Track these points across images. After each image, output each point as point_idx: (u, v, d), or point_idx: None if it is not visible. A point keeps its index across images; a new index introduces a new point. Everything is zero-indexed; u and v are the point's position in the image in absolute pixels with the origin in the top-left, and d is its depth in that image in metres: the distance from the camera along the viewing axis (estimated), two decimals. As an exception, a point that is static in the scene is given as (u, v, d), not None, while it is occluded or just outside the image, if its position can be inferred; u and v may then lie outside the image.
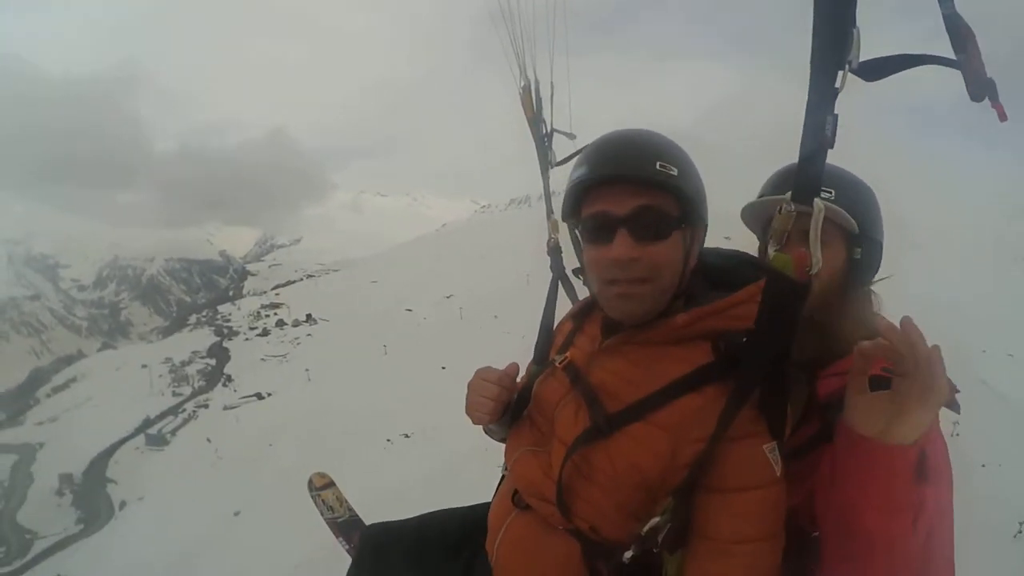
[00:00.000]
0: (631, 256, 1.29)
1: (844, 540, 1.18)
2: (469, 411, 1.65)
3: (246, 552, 33.13)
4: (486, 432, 1.80)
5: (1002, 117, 1.05)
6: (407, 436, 49.62)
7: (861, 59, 1.01)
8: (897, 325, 1.08)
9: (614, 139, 1.37)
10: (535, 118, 2.17)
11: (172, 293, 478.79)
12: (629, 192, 1.30)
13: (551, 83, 2.14)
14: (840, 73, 1.01)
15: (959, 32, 1.03)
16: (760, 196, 1.69)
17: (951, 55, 1.05)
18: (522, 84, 2.16)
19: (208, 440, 63.17)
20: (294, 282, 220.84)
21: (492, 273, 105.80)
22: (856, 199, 1.56)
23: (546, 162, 2.16)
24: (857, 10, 0.98)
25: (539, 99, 2.17)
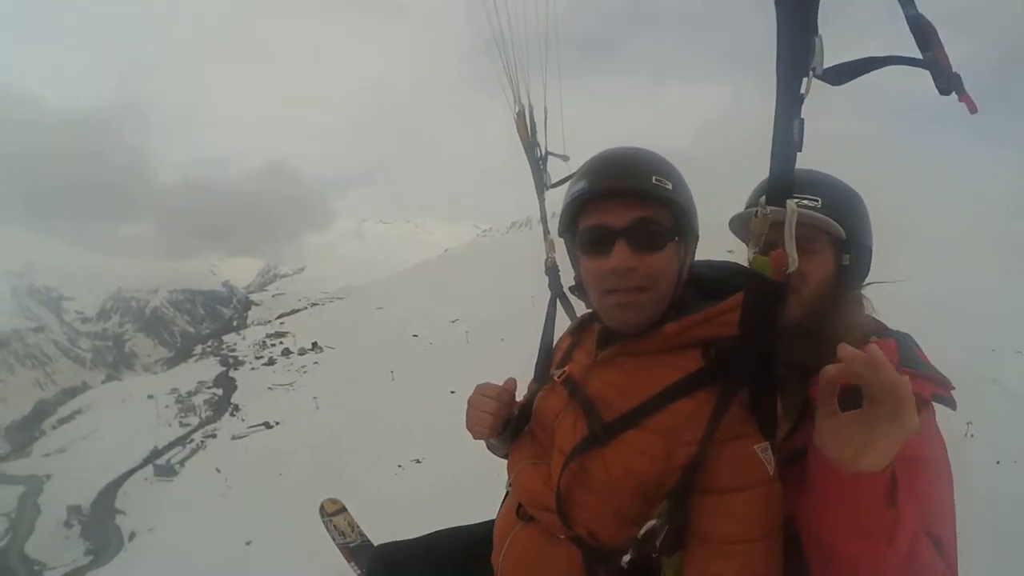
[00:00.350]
0: (629, 266, 1.32)
1: (821, 563, 1.19)
2: (470, 426, 1.69)
3: (261, 580, 32.93)
4: (488, 448, 1.83)
5: (972, 109, 1.06)
6: (418, 461, 49.36)
7: (825, 65, 1.04)
8: (869, 350, 1.04)
9: (611, 155, 1.42)
10: (530, 142, 2.23)
11: (176, 324, 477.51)
12: (627, 205, 1.34)
13: (544, 108, 2.19)
14: (805, 79, 1.04)
15: (922, 31, 1.06)
16: (746, 207, 1.69)
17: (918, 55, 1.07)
18: (516, 110, 2.21)
19: (217, 470, 63.00)
20: (298, 311, 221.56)
21: (496, 296, 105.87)
22: (843, 206, 1.56)
23: (541, 184, 2.21)
24: (818, 20, 1.01)
25: (533, 124, 2.22)
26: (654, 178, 1.31)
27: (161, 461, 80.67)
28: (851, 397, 1.10)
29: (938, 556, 1.15)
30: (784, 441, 1.34)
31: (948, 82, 1.05)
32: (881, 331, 1.54)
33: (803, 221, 1.36)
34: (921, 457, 1.26)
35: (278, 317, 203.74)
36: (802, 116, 1.07)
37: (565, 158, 2.14)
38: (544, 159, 2.22)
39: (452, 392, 59.15)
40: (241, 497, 53.45)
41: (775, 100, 1.06)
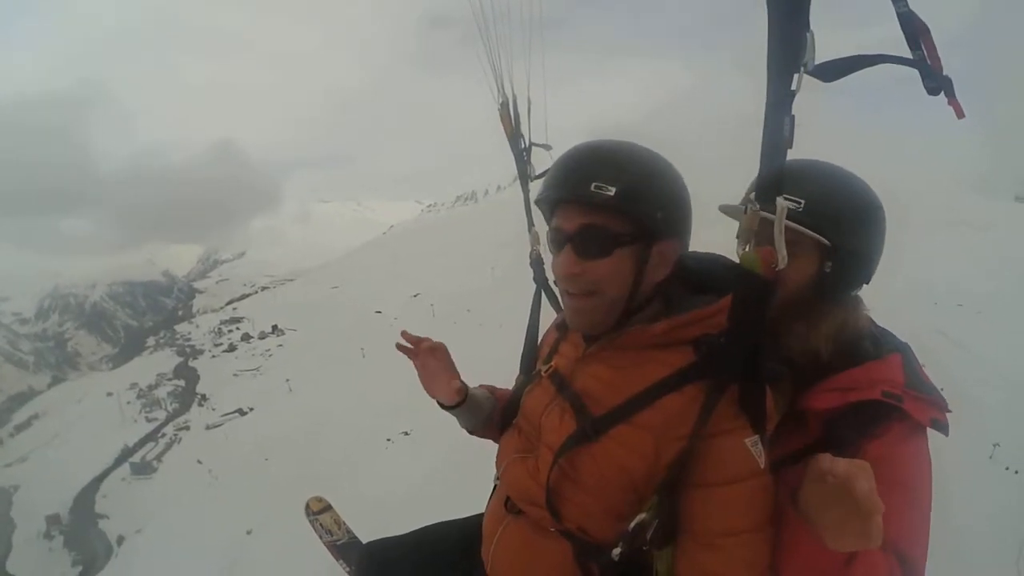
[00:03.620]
0: (571, 272, 1.34)
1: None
2: (426, 386, 1.79)
3: (268, 571, 32.18)
4: (454, 415, 1.83)
5: (959, 114, 1.06)
6: (407, 434, 49.04)
7: (816, 61, 1.02)
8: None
9: (565, 159, 1.38)
10: (514, 134, 2.15)
11: (117, 318, 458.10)
12: (577, 210, 1.34)
13: (528, 99, 2.12)
14: (796, 75, 1.02)
15: (913, 30, 1.04)
16: (743, 200, 1.59)
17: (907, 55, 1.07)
18: (500, 101, 2.14)
19: (199, 462, 61.21)
20: (249, 295, 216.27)
21: (455, 269, 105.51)
22: (827, 211, 1.47)
23: (526, 176, 2.14)
24: (810, 14, 1.00)
25: (517, 115, 2.14)
26: (593, 185, 1.27)
27: (136, 459, 77.34)
28: (876, 405, 1.31)
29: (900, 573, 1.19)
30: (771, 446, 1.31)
31: (938, 83, 1.04)
32: (884, 340, 1.52)
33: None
34: (904, 482, 1.30)
35: (229, 303, 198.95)
36: (792, 113, 1.04)
37: (548, 147, 2.10)
38: (528, 150, 2.14)
39: (427, 364, 58.65)
40: (230, 487, 52.09)
41: (766, 96, 1.04)
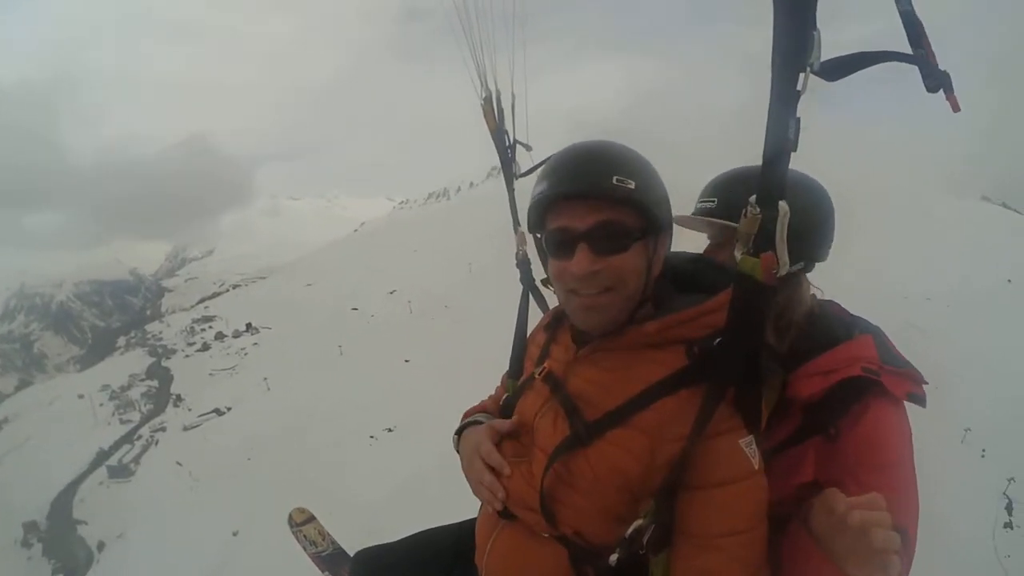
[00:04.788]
0: (591, 270, 1.31)
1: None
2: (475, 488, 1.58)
3: (258, 572, 31.81)
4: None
5: (955, 108, 1.05)
6: (390, 430, 48.80)
7: (821, 60, 1.00)
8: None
9: (572, 154, 1.36)
10: (498, 130, 2.14)
11: (84, 319, 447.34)
12: (588, 207, 1.31)
13: (512, 94, 2.11)
14: (801, 75, 1.00)
15: (916, 28, 1.03)
16: (702, 199, 1.74)
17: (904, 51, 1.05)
18: (483, 96, 2.12)
19: (178, 463, 59.93)
20: (219, 294, 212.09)
21: (431, 265, 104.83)
22: (808, 214, 1.56)
23: (511, 174, 2.14)
24: (817, 12, 0.97)
25: (501, 111, 2.14)
26: (615, 178, 1.28)
27: (112, 462, 75.02)
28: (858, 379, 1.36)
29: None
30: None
31: (937, 80, 1.02)
32: (855, 324, 1.59)
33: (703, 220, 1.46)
34: (890, 463, 1.35)
35: (200, 301, 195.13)
36: (798, 115, 1.03)
37: (528, 147, 2.10)
38: (512, 148, 2.15)
39: (407, 361, 58.58)
40: (212, 488, 51.14)
41: (770, 96, 1.02)
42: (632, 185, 1.28)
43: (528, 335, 1.83)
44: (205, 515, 46.12)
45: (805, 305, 1.60)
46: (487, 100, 2.13)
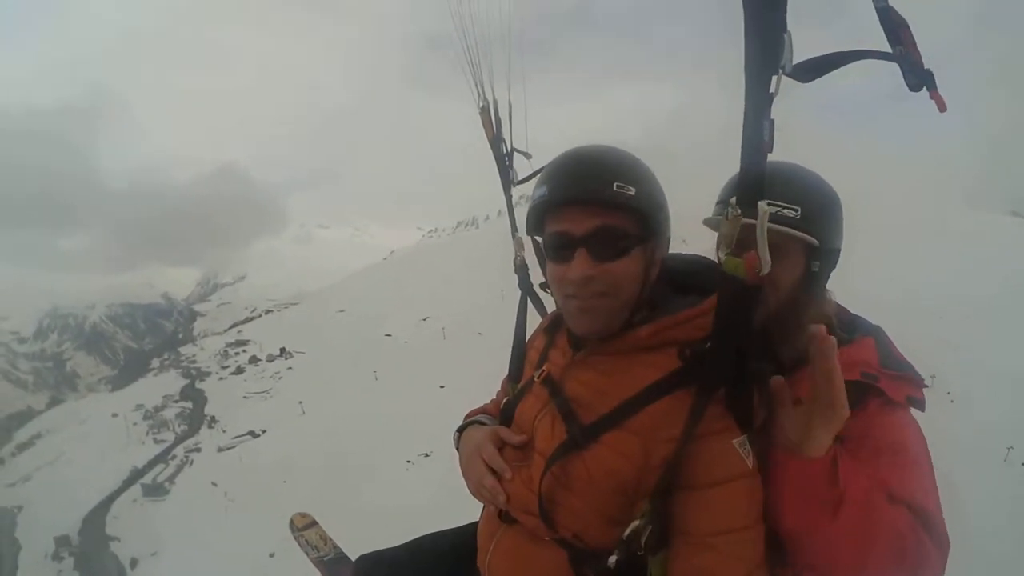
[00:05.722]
0: (589, 275, 1.30)
1: (787, 545, 1.25)
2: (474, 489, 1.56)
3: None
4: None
5: (941, 107, 1.05)
6: (427, 455, 48.12)
7: (794, 61, 0.99)
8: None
9: (572, 159, 1.35)
10: (495, 138, 2.14)
11: (117, 340, 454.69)
12: (588, 213, 1.30)
13: (509, 102, 2.11)
14: (774, 78, 0.99)
15: (893, 24, 1.03)
16: (718, 200, 1.65)
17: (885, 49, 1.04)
18: (481, 104, 2.13)
19: (214, 484, 59.67)
20: (252, 319, 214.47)
21: (463, 293, 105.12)
22: (821, 214, 1.51)
23: (508, 181, 2.13)
24: (787, 14, 0.96)
25: (499, 119, 2.14)
26: (615, 184, 1.26)
27: (147, 480, 74.87)
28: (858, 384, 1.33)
29: (917, 524, 1.20)
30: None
31: (919, 78, 1.02)
32: (856, 325, 1.57)
33: (779, 231, 1.42)
34: (902, 444, 1.34)
35: (232, 326, 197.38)
36: (772, 116, 1.02)
37: (528, 155, 2.09)
38: (510, 155, 2.14)
39: (441, 387, 58.05)
40: (247, 509, 50.62)
41: (744, 100, 1.02)
42: (632, 191, 1.26)
43: (528, 339, 1.79)
44: (241, 535, 45.48)
45: (835, 310, 1.57)
46: (484, 109, 2.12)
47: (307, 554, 2.93)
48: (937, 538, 1.21)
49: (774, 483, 1.22)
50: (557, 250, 1.35)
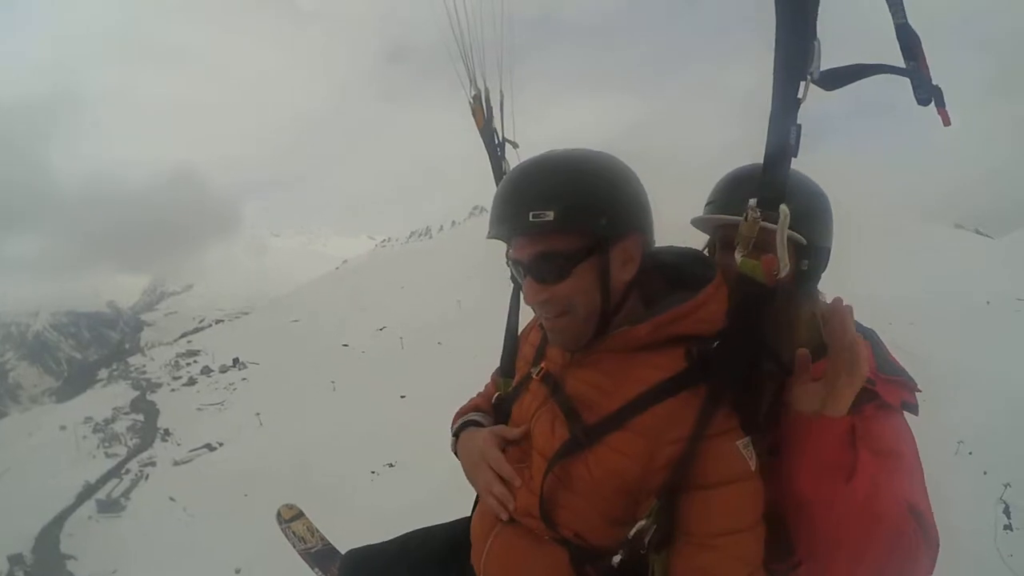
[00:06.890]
0: (538, 299, 1.34)
1: (794, 513, 1.26)
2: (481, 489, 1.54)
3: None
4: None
5: (946, 122, 1.06)
6: (391, 466, 47.58)
7: (820, 69, 1.02)
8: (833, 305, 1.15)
9: (502, 190, 1.36)
10: (486, 127, 2.12)
11: (61, 350, 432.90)
12: (524, 241, 1.32)
13: (500, 91, 2.08)
14: (802, 84, 1.01)
15: (909, 41, 1.04)
16: (708, 201, 1.71)
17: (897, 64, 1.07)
18: (472, 94, 2.11)
19: (172, 499, 57.87)
20: (201, 329, 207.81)
21: (419, 302, 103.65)
22: (809, 213, 1.55)
23: (500, 172, 2.09)
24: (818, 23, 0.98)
25: (490, 108, 2.11)
26: (531, 214, 1.24)
27: (101, 496, 71.98)
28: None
29: (912, 521, 1.21)
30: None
31: (929, 93, 1.03)
32: None
33: (767, 229, 1.36)
34: (895, 450, 1.35)
35: (183, 335, 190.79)
36: (799, 122, 1.03)
37: (515, 145, 2.09)
38: (502, 146, 2.12)
39: (403, 397, 57.65)
40: (209, 524, 49.26)
41: (771, 103, 1.03)
42: (550, 216, 1.23)
43: (520, 333, 1.81)
44: (204, 551, 44.13)
45: (808, 307, 1.57)
46: (476, 98, 2.10)
47: (294, 546, 2.87)
48: (929, 539, 1.23)
49: (791, 447, 1.23)
50: (513, 275, 1.42)
